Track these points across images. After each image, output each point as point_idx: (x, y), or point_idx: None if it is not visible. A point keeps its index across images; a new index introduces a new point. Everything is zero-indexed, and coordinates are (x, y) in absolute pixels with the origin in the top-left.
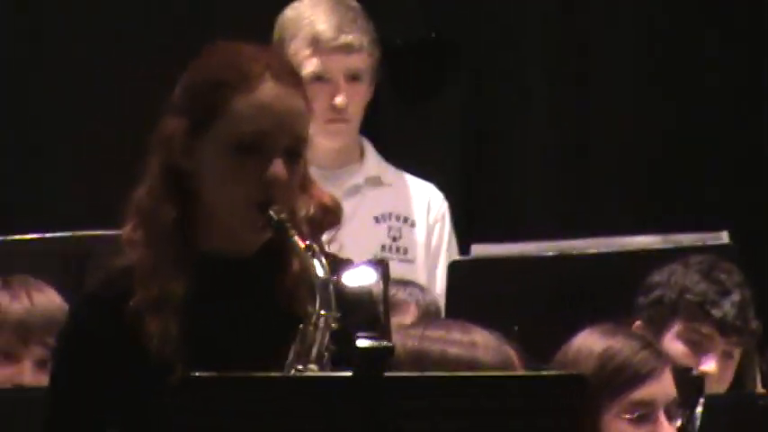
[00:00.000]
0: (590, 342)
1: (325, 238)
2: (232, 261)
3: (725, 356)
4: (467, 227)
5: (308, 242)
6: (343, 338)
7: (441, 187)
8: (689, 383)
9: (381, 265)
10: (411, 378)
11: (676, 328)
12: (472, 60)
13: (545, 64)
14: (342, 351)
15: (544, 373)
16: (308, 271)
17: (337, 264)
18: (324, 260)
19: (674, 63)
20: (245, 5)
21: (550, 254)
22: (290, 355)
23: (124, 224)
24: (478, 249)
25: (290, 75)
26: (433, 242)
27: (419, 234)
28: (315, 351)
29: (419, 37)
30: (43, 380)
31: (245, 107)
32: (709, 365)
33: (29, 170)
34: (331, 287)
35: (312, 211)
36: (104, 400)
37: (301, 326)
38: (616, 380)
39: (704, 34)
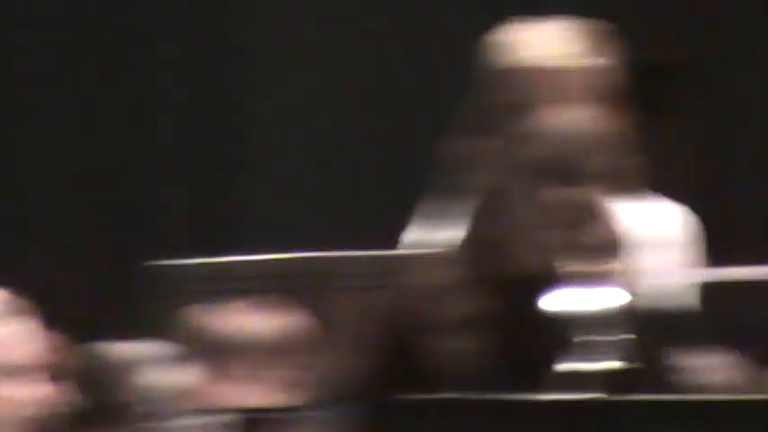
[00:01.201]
0: None
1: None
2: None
3: None
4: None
5: (581, 269)
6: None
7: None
8: None
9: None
10: (654, 402)
11: None
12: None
13: None
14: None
15: None
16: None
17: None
18: (598, 287)
19: None
20: None
21: None
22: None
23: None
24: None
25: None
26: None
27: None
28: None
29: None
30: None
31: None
32: None
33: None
34: (596, 313)
35: (590, 238)
36: None
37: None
38: None
39: None
